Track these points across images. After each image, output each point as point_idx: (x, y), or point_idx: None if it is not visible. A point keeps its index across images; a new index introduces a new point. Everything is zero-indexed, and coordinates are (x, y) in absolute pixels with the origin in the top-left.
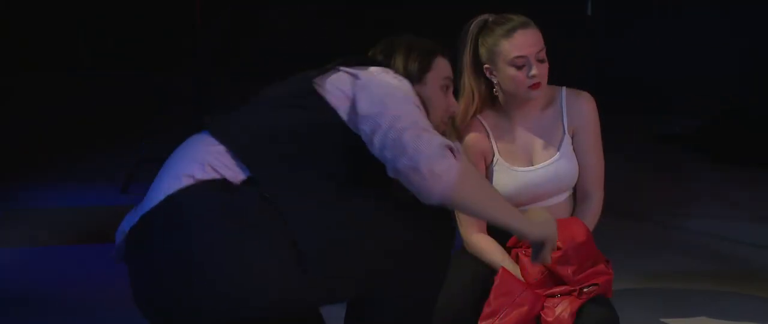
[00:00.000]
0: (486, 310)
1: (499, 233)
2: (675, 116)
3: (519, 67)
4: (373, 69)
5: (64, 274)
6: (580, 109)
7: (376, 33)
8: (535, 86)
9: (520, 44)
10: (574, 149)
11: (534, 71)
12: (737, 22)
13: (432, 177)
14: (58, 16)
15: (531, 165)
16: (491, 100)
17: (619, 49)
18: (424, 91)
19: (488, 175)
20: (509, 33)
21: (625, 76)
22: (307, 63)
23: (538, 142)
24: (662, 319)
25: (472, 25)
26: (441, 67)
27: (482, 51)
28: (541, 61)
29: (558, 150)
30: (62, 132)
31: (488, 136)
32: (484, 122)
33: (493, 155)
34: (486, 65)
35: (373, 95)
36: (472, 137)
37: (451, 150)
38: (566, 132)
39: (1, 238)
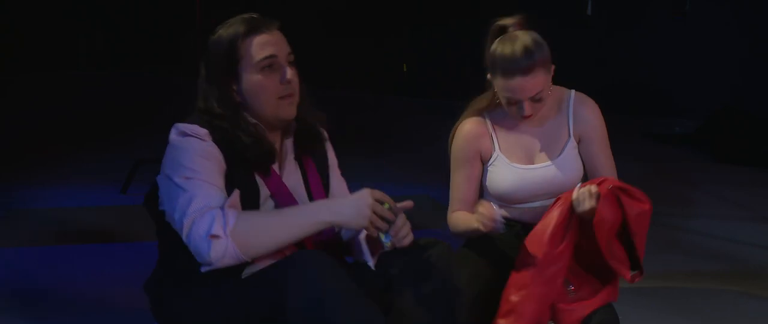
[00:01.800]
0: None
1: (508, 237)
2: (675, 116)
3: (510, 102)
4: (171, 139)
5: (65, 273)
6: (587, 116)
7: (374, 30)
8: (526, 117)
9: (515, 89)
10: (581, 155)
11: (525, 112)
12: (737, 22)
13: (222, 261)
14: (58, 16)
15: (531, 163)
16: None
17: (620, 49)
18: (243, 85)
19: (485, 172)
20: (508, 75)
21: (625, 75)
22: (306, 62)
23: (541, 142)
24: (662, 319)
25: (492, 29)
26: (252, 51)
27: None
28: (537, 101)
29: (561, 153)
30: (62, 132)
31: (489, 131)
32: (487, 118)
33: (494, 151)
34: (489, 74)
35: (168, 198)
36: (470, 135)
37: (219, 228)
38: (571, 136)
39: (2, 238)
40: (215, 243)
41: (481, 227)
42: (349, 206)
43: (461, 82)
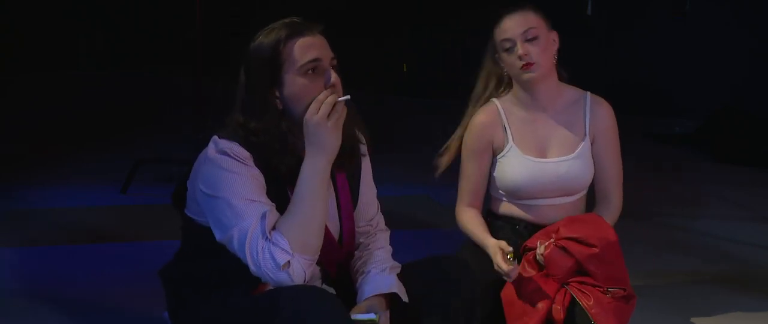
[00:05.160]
0: None
1: (508, 228)
2: (675, 116)
3: (508, 50)
4: (210, 154)
5: (65, 274)
6: (602, 117)
7: (374, 30)
8: (526, 67)
9: (505, 28)
10: (593, 154)
11: (519, 51)
12: (737, 22)
13: (309, 274)
14: (58, 16)
15: (544, 157)
16: (511, 85)
17: (620, 49)
18: (286, 89)
19: (496, 164)
20: (498, 20)
21: (625, 75)
22: None
23: (556, 138)
24: (662, 319)
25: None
26: (295, 54)
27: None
28: (530, 40)
29: (575, 150)
30: (62, 132)
31: (502, 121)
32: (501, 107)
33: (507, 142)
34: (496, 54)
35: (213, 220)
36: (482, 123)
37: (283, 255)
38: (587, 134)
39: (2, 238)
40: (291, 269)
41: (495, 266)
42: (310, 141)
43: (461, 82)
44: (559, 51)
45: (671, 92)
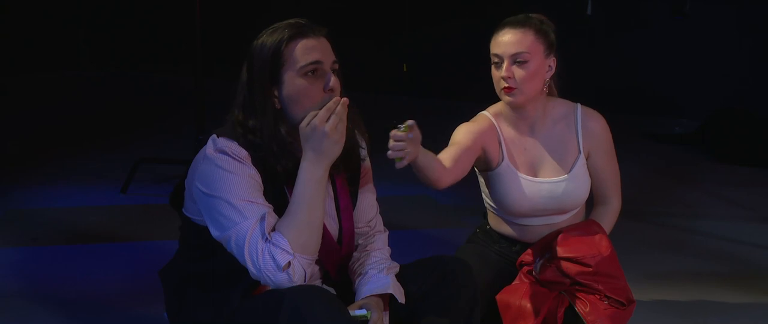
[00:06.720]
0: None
1: (505, 244)
2: (675, 116)
3: (495, 65)
4: (208, 153)
5: (65, 274)
6: (595, 132)
7: (374, 31)
8: (507, 90)
9: (499, 42)
10: (589, 166)
11: (503, 72)
12: (738, 22)
13: (309, 273)
14: (58, 16)
15: (537, 176)
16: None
17: (620, 49)
18: (285, 90)
19: (490, 180)
20: (497, 30)
21: (625, 75)
22: None
23: (550, 157)
24: (662, 320)
25: None
26: (296, 55)
27: None
28: (519, 64)
29: (570, 170)
30: (62, 132)
31: (498, 136)
32: (497, 125)
33: (502, 159)
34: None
35: (211, 219)
36: (481, 128)
37: (283, 256)
38: (581, 152)
39: (1, 238)
40: (291, 270)
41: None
42: (314, 148)
43: (461, 82)
44: (560, 52)
45: (671, 92)
